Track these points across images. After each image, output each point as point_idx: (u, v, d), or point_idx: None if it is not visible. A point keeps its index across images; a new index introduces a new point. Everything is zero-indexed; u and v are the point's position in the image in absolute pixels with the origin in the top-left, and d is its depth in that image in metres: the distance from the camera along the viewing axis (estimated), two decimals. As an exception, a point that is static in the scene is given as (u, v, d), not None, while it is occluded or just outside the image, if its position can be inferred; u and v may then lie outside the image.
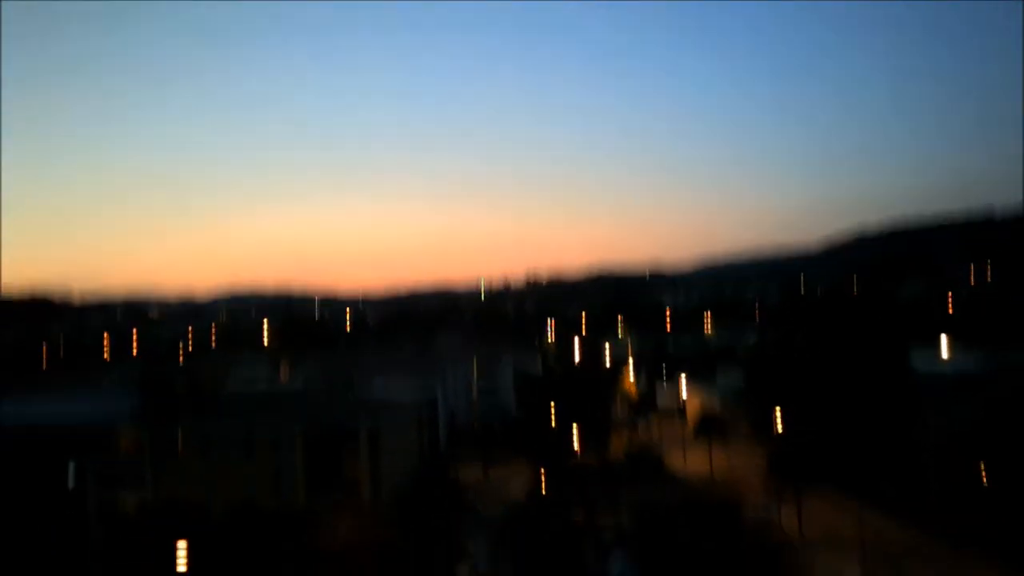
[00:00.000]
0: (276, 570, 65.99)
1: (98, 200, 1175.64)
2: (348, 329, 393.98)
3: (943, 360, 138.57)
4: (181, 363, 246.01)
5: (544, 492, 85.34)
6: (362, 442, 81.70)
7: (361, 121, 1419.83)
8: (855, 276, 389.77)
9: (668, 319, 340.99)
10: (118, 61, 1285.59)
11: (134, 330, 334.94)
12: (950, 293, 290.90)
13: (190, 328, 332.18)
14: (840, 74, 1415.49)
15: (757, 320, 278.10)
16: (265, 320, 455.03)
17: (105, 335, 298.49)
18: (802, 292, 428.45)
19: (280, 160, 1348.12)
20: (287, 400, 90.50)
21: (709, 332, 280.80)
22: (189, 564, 65.40)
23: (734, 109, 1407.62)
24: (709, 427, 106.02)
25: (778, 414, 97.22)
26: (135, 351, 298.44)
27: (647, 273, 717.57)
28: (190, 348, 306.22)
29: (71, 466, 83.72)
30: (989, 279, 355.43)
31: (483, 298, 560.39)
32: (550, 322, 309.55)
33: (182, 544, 66.66)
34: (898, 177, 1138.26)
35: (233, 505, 78.22)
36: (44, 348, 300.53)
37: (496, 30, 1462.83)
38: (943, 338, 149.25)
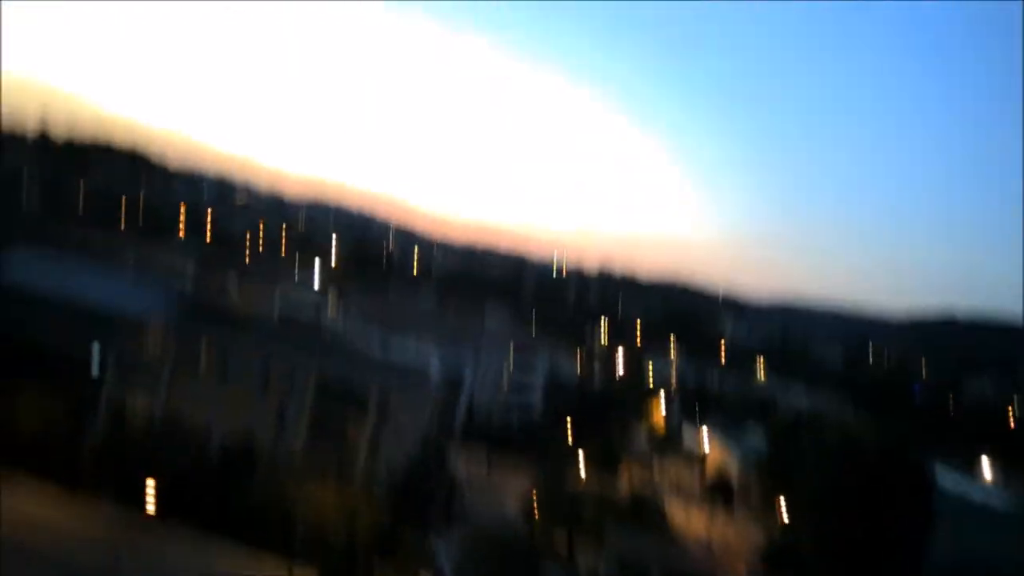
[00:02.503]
0: (245, 515, 66.33)
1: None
2: (413, 267, 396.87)
3: (978, 483, 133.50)
4: (247, 258, 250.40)
5: (535, 514, 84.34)
6: (372, 408, 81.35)
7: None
8: (923, 362, 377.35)
9: (724, 349, 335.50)
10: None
11: (212, 216, 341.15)
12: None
13: (263, 230, 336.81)
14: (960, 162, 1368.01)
15: (812, 378, 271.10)
16: (337, 238, 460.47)
17: (183, 212, 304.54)
18: (869, 362, 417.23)
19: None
20: (320, 339, 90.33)
21: (760, 377, 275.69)
22: (171, 483, 66.45)
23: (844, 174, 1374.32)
24: (720, 491, 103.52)
25: (784, 507, 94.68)
26: (209, 231, 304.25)
27: (720, 295, 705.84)
28: (260, 242, 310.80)
29: (95, 349, 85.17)
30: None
31: (551, 274, 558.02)
32: (607, 320, 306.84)
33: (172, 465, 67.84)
34: (999, 270, 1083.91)
35: (232, 434, 78.92)
36: (124, 209, 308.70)
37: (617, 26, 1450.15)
38: (984, 460, 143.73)
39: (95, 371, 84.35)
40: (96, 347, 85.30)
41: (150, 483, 65.07)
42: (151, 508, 57.09)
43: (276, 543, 65.61)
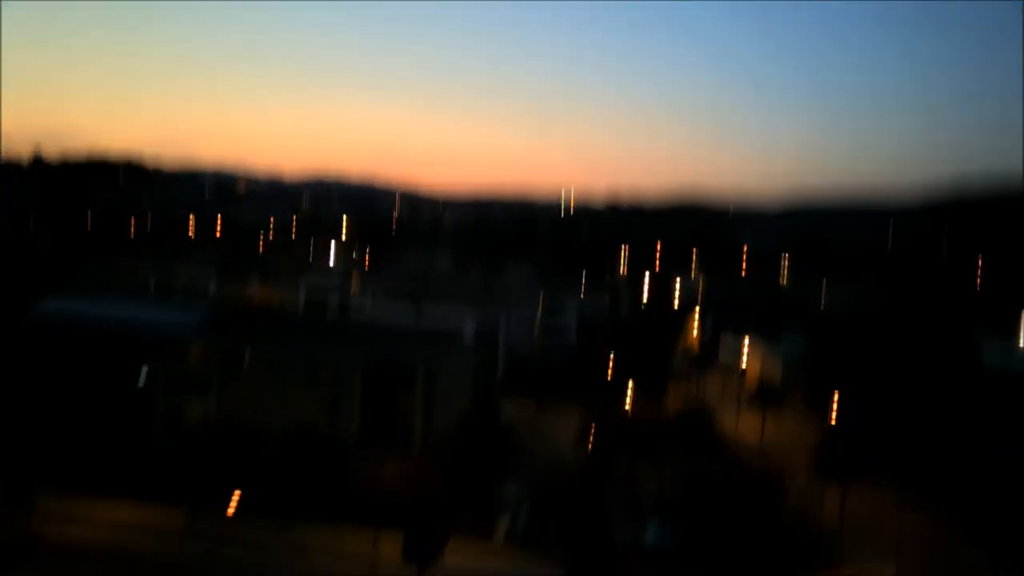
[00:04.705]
0: (319, 499, 69.05)
1: (189, 71, 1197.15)
2: (425, 231, 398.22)
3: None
4: (262, 252, 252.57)
5: (591, 447, 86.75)
6: (419, 379, 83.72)
7: (448, 24, 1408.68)
8: (947, 238, 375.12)
9: (745, 259, 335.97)
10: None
11: (219, 215, 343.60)
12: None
13: (272, 219, 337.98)
14: (947, 17, 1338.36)
15: (835, 272, 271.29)
16: (346, 214, 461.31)
17: (191, 217, 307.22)
18: (889, 245, 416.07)
19: (369, 52, 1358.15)
20: (352, 326, 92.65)
21: (785, 281, 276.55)
22: (242, 481, 69.20)
23: (836, 47, 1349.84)
24: (765, 396, 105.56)
25: (835, 401, 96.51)
26: (219, 232, 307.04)
27: (731, 205, 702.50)
28: (271, 235, 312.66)
29: (143, 369, 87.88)
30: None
31: (561, 214, 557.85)
32: (624, 251, 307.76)
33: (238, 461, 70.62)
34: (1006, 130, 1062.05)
35: (290, 428, 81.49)
36: (133, 219, 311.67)
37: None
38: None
39: (146, 390, 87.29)
40: (145, 368, 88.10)
41: (221, 483, 68.32)
42: (229, 507, 59.37)
43: (355, 518, 68.42)
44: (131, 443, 76.44)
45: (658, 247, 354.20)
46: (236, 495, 62.48)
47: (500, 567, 63.40)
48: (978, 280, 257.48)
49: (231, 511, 57.84)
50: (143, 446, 76.89)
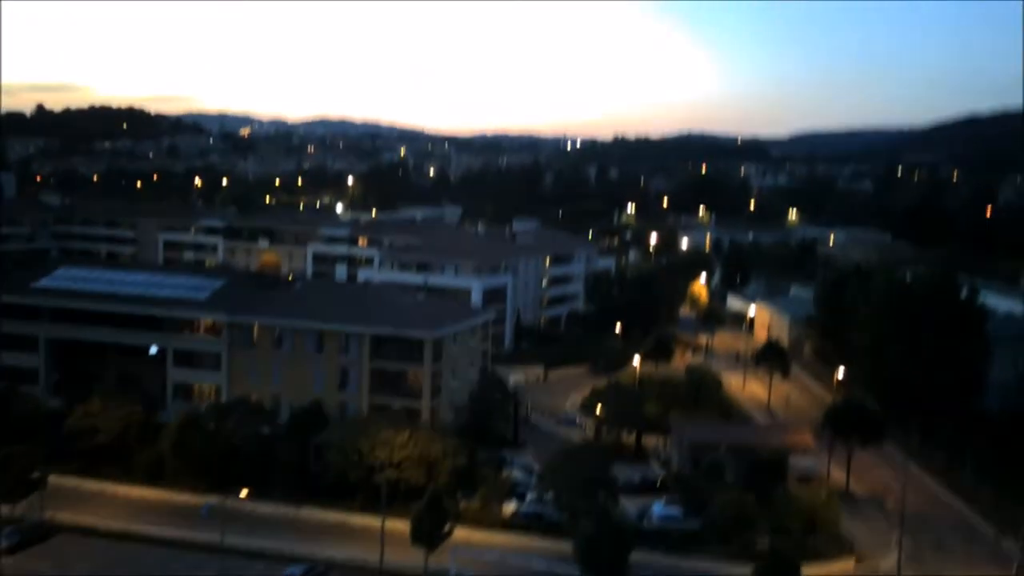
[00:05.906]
0: (328, 478, 69.67)
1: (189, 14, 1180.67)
2: (430, 175, 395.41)
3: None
4: (268, 205, 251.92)
5: (597, 413, 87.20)
6: (427, 351, 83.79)
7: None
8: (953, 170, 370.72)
9: (753, 198, 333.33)
10: None
11: (224, 163, 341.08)
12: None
13: (278, 167, 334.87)
14: None
15: (845, 213, 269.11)
16: (351, 158, 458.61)
17: (197, 165, 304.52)
18: (899, 176, 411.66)
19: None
20: (361, 299, 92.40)
21: (794, 221, 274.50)
22: (252, 463, 70.02)
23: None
24: (772, 355, 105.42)
25: (841, 370, 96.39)
26: (225, 183, 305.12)
27: (739, 138, 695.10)
28: (277, 189, 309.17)
29: (153, 344, 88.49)
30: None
31: (567, 155, 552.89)
32: (628, 195, 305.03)
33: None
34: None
35: (300, 403, 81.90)
36: (139, 176, 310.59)
37: None
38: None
39: (156, 361, 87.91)
40: (155, 339, 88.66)
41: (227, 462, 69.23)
42: (237, 488, 59.96)
43: (361, 498, 68.79)
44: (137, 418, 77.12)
45: (664, 184, 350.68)
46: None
47: (508, 544, 64.00)
48: (988, 211, 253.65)
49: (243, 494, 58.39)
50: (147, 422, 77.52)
